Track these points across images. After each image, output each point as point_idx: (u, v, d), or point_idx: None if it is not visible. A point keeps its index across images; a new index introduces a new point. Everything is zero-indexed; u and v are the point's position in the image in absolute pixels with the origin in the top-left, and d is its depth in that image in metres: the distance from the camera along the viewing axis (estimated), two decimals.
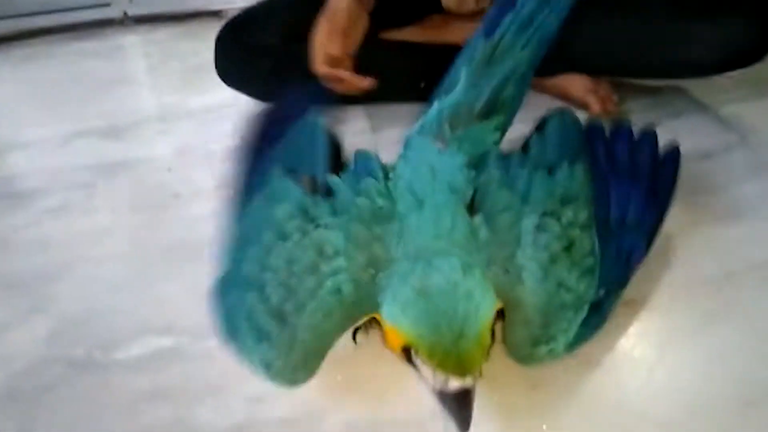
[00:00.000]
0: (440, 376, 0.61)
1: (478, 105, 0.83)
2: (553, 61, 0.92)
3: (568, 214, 0.74)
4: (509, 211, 0.73)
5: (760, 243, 0.90)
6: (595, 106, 1.16)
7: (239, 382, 0.78)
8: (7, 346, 0.86)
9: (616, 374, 0.76)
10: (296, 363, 0.68)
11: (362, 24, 1.10)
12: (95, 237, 1.02)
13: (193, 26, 1.78)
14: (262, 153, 0.85)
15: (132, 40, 1.74)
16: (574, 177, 0.78)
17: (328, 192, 0.76)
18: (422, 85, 1.05)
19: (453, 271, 0.64)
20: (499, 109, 0.84)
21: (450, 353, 0.60)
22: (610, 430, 0.70)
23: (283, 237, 0.73)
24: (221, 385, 0.78)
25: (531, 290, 0.68)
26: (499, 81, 0.84)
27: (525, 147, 0.81)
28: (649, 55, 1.11)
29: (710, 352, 0.77)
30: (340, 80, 1.05)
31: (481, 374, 0.62)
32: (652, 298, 0.84)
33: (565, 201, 0.75)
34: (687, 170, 1.04)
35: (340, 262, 0.70)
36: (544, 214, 0.73)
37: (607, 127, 0.87)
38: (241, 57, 1.22)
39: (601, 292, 0.72)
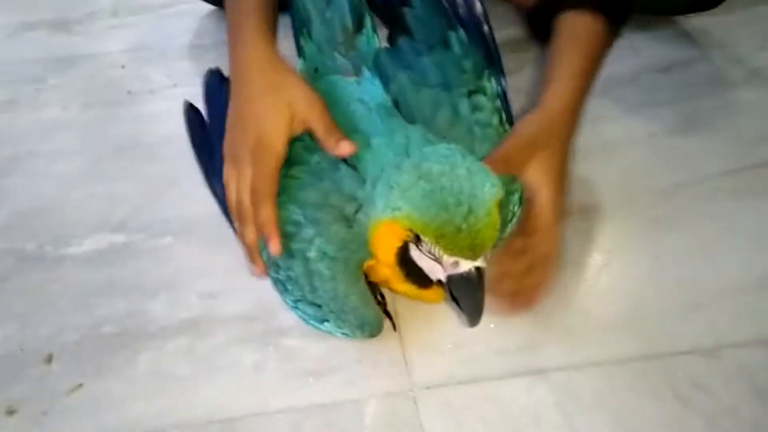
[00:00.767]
0: (450, 260, 0.59)
1: (348, 22, 0.79)
2: None
3: (485, 83, 0.74)
4: (441, 108, 0.71)
5: (712, 155, 0.91)
6: None
7: (193, 278, 0.79)
8: None
9: (564, 277, 0.77)
10: (360, 323, 0.67)
11: None
12: (45, 132, 0.99)
13: None
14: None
15: None
16: (463, 42, 0.76)
17: None
18: None
19: (450, 153, 0.61)
20: (364, 15, 0.80)
21: (460, 232, 0.57)
22: (555, 329, 0.72)
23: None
24: (175, 281, 0.79)
25: None
26: None
27: (403, 27, 0.78)
28: None
29: (656, 258, 0.79)
30: None
31: (490, 256, 0.61)
32: (604, 206, 0.85)
33: (476, 70, 0.74)
34: (647, 81, 1.05)
35: (308, 230, 0.67)
36: (470, 93, 0.72)
37: None
38: None
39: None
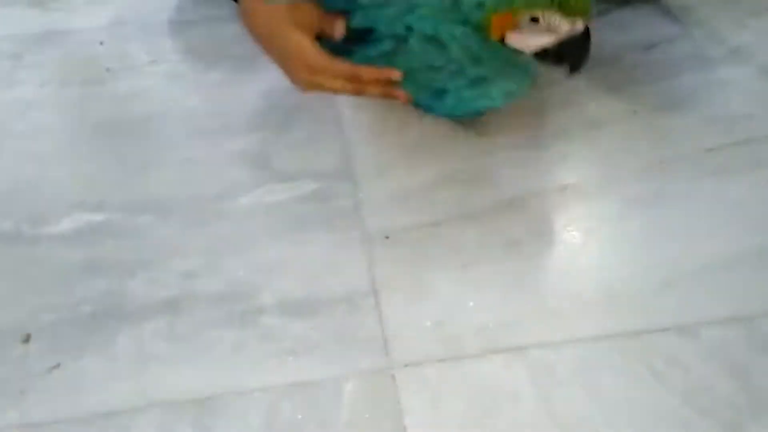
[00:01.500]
0: (567, 23, 0.76)
1: None
2: None
3: None
4: None
5: (694, 133, 0.91)
6: None
7: (172, 257, 0.78)
8: None
9: (541, 257, 0.78)
10: (522, 70, 0.83)
11: None
12: (22, 109, 0.98)
13: None
14: None
15: None
16: None
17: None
18: None
19: None
20: None
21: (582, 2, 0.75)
22: (533, 307, 0.73)
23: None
24: (154, 260, 0.78)
25: None
26: None
27: None
28: None
29: (635, 236, 0.80)
30: None
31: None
32: (584, 184, 0.86)
33: None
34: (630, 60, 1.05)
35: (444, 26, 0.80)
36: None
37: None
38: None
39: None
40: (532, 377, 0.67)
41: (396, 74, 0.83)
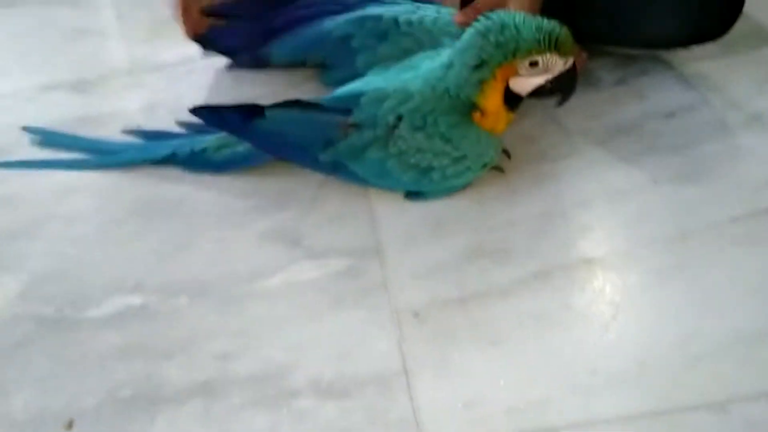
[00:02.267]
0: (561, 61, 0.88)
1: None
2: None
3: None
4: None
5: (716, 203, 0.92)
6: None
7: (207, 339, 0.81)
8: None
9: (571, 331, 0.78)
10: (496, 150, 0.94)
11: None
12: (63, 194, 1.02)
13: None
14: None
15: None
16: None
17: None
18: None
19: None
20: None
21: (567, 38, 0.86)
22: (563, 385, 0.73)
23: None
24: (189, 342, 0.80)
25: None
26: None
27: None
28: (615, 27, 1.12)
29: (662, 309, 0.80)
30: None
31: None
32: (610, 257, 0.87)
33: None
34: (649, 128, 1.06)
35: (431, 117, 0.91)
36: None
37: None
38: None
39: None
40: None
41: None
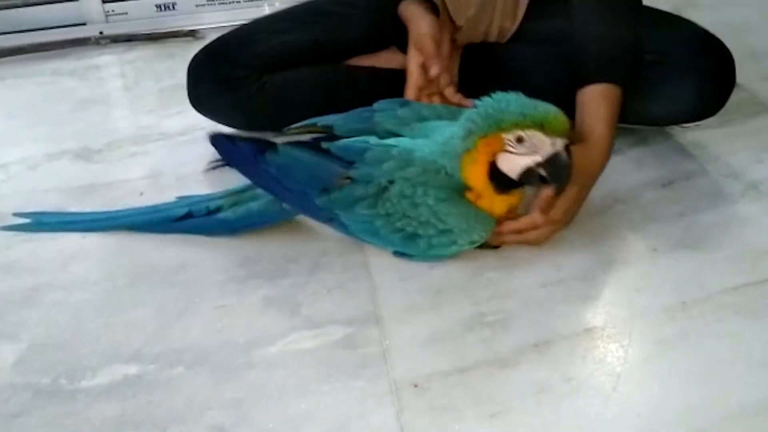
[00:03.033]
0: (549, 142, 0.86)
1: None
2: None
3: None
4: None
5: (716, 272, 0.93)
6: None
7: (203, 409, 0.79)
8: None
9: (572, 403, 0.77)
10: (484, 226, 0.93)
11: (447, 45, 1.12)
12: (64, 262, 1.02)
13: (169, 46, 1.79)
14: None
15: (107, 60, 1.75)
16: None
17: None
18: None
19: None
20: None
21: (556, 118, 0.86)
22: None
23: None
24: (185, 413, 0.79)
25: None
26: None
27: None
28: None
29: (664, 381, 0.79)
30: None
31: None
32: (610, 327, 0.86)
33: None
34: (647, 197, 1.08)
35: (419, 189, 0.92)
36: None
37: None
38: (213, 88, 1.24)
39: None
40: None
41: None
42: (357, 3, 1.25)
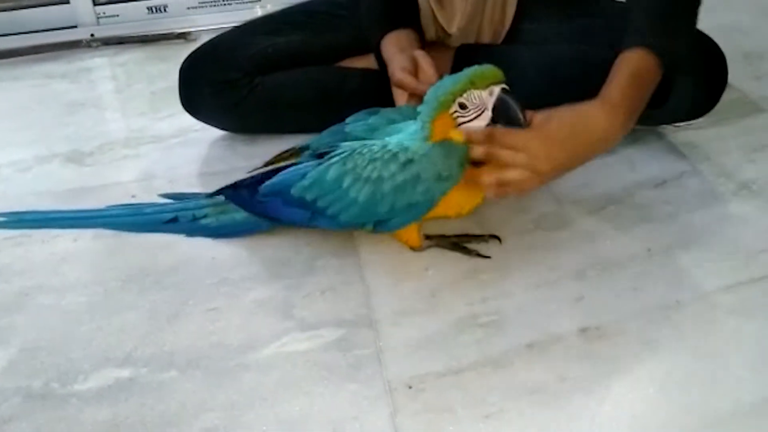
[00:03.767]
0: (486, 94, 0.88)
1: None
2: None
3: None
4: None
5: (707, 272, 0.93)
6: None
7: (196, 413, 0.79)
8: None
9: (567, 404, 0.77)
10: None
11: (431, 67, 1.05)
12: (55, 265, 1.02)
13: (160, 49, 1.78)
14: None
15: (99, 62, 1.74)
16: None
17: None
18: None
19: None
20: None
21: (482, 71, 0.88)
22: None
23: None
24: (178, 417, 0.79)
25: None
26: None
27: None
28: None
29: (659, 380, 0.79)
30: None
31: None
32: (604, 327, 0.86)
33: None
34: (640, 198, 1.08)
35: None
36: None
37: None
38: (205, 90, 1.23)
39: None
40: None
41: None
42: (348, 5, 1.25)
